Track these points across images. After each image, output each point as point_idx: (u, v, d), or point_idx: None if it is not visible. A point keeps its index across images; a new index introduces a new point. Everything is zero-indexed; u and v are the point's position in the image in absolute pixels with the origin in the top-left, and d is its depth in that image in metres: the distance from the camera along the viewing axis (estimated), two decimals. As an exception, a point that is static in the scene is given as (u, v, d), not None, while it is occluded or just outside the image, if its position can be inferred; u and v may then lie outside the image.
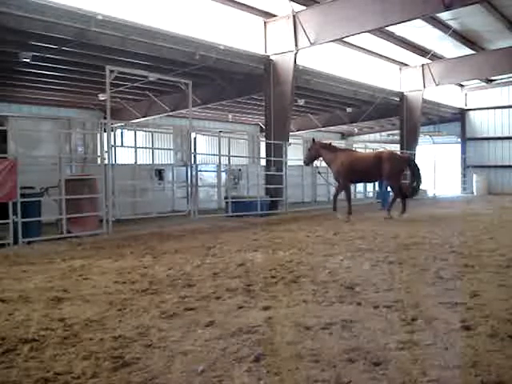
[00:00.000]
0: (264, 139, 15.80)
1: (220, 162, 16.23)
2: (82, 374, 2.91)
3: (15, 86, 17.15)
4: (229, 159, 15.96)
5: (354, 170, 12.30)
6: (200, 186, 13.58)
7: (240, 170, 16.53)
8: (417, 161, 13.60)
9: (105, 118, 14.06)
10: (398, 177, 12.37)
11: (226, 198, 14.10)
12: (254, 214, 12.90)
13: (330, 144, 13.24)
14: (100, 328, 3.74)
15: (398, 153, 14.09)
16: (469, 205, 17.97)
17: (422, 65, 20.84)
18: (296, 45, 13.96)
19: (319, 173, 14.77)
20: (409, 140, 22.12)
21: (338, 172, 12.49)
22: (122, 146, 16.81)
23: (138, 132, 16.54)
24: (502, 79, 24.76)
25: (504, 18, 16.05)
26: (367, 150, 19.49)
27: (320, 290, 4.83)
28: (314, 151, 12.94)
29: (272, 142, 14.51)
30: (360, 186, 23.10)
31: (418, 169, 12.58)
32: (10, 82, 16.55)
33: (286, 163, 14.74)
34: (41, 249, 7.88)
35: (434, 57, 19.92)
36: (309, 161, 13.25)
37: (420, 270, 5.76)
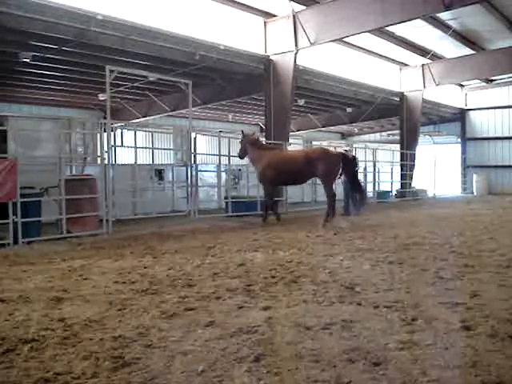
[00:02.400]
0: (264, 139, 15.79)
1: (220, 162, 16.22)
2: (82, 373, 2.91)
3: (15, 85, 17.15)
4: (229, 159, 15.94)
5: (282, 172, 11.00)
6: (200, 185, 13.57)
7: (240, 169, 16.51)
8: (352, 157, 12.09)
9: (105, 117, 14.07)
10: (332, 177, 11.06)
11: (225, 197, 14.09)
12: (254, 214, 12.90)
13: (258, 140, 11.94)
14: (100, 328, 3.74)
15: (331, 149, 12.25)
16: (469, 205, 17.98)
17: (422, 65, 20.84)
18: (296, 45, 13.96)
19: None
20: (409, 140, 22.11)
21: (262, 174, 11.25)
22: (122, 145, 16.82)
23: (137, 132, 16.52)
24: (502, 79, 24.77)
25: (504, 17, 16.05)
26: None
27: (320, 289, 4.83)
28: (243, 146, 11.83)
29: (272, 142, 14.51)
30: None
31: (354, 167, 11.53)
32: (9, 82, 16.56)
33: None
34: (41, 249, 7.87)
35: (434, 57, 19.93)
36: (242, 154, 12.03)
37: (420, 270, 5.76)
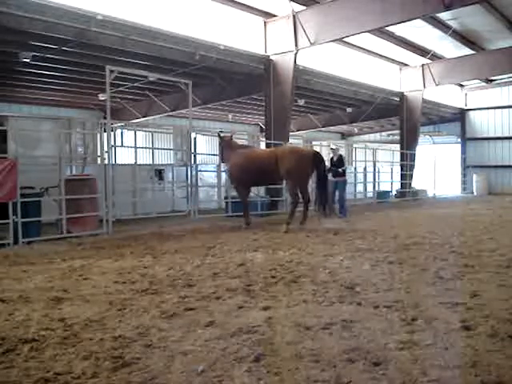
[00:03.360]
0: (264, 139, 15.79)
1: (220, 162, 16.22)
2: (82, 373, 2.91)
3: (15, 85, 17.14)
4: (229, 159, 15.92)
5: (249, 172, 10.43)
6: (200, 185, 13.57)
7: (345, 168, 16.41)
8: (322, 157, 11.17)
9: (105, 117, 14.05)
10: (299, 177, 10.27)
11: (226, 197, 14.09)
12: (254, 214, 12.89)
13: (231, 139, 11.38)
14: (100, 328, 3.74)
15: (301, 147, 11.11)
16: (469, 205, 17.98)
17: (422, 65, 20.83)
18: (296, 45, 13.95)
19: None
20: (409, 140, 22.11)
21: (230, 174, 10.98)
22: (122, 146, 16.82)
23: (138, 132, 16.55)
24: (502, 79, 24.76)
25: (504, 18, 16.04)
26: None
27: (320, 289, 4.83)
28: (221, 148, 11.45)
29: (272, 142, 14.50)
30: (360, 186, 23.16)
31: (325, 168, 10.81)
32: (9, 82, 16.54)
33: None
34: (41, 249, 7.88)
35: (434, 57, 19.92)
36: (221, 158, 11.68)
37: (420, 270, 5.77)
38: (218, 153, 11.92)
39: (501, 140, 25.73)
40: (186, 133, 13.12)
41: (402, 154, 22.36)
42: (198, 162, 13.13)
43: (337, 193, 12.88)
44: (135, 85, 16.05)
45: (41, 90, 17.54)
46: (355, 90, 19.61)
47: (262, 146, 18.26)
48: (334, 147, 13.26)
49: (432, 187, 23.92)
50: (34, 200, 8.70)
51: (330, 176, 12.18)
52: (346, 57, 18.52)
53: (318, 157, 10.59)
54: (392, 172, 23.37)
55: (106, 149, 10.71)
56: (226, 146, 11.06)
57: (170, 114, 19.99)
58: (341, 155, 13.06)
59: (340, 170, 12.76)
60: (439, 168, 24.42)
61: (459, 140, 27.49)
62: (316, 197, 11.13)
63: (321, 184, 10.59)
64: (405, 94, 21.87)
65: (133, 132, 16.97)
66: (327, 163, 12.28)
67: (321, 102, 22.17)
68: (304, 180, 10.45)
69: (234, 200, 13.36)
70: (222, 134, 11.63)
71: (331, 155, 13.29)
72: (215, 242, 8.37)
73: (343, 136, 33.76)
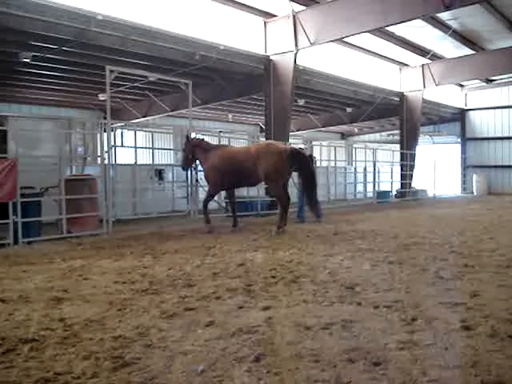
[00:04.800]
0: (264, 139, 15.78)
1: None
2: (82, 373, 2.91)
3: (15, 85, 17.14)
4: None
5: (225, 172, 9.74)
6: (200, 185, 13.56)
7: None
8: (305, 153, 10.44)
9: (105, 117, 14.05)
10: (278, 177, 9.47)
11: (226, 197, 14.08)
12: (254, 214, 12.89)
13: (203, 140, 10.81)
14: (100, 328, 3.74)
15: (280, 145, 10.41)
16: (469, 205, 17.98)
17: (422, 65, 20.83)
18: (296, 45, 13.95)
19: (197, 180, 11.59)
20: (409, 140, 22.11)
21: (206, 176, 10.29)
22: (122, 146, 16.81)
23: (138, 132, 16.54)
24: (501, 79, 24.75)
25: (504, 18, 16.05)
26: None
27: (320, 289, 4.83)
28: (189, 151, 10.53)
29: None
30: (360, 186, 23.17)
31: (309, 164, 10.01)
32: (9, 82, 16.54)
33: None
34: (41, 249, 7.88)
35: (434, 57, 19.92)
36: (185, 164, 10.81)
37: (420, 270, 5.76)
38: (180, 160, 11.04)
39: (501, 140, 25.73)
40: (186, 133, 13.10)
41: (401, 154, 22.36)
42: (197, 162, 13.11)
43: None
44: (135, 85, 16.05)
45: (41, 89, 17.55)
46: (355, 90, 19.61)
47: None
48: (302, 147, 12.40)
49: (432, 187, 23.92)
50: (34, 200, 8.70)
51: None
52: (346, 57, 18.53)
53: (299, 154, 9.80)
54: (392, 172, 23.38)
55: (106, 149, 10.70)
56: (199, 147, 10.36)
57: (170, 114, 19.99)
58: (310, 155, 12.07)
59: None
60: (439, 168, 24.43)
61: (459, 140, 27.49)
62: (305, 199, 10.51)
63: (308, 183, 9.88)
64: (405, 94, 21.87)
65: (133, 132, 16.97)
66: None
67: (321, 102, 22.18)
68: (280, 179, 9.56)
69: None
70: (190, 137, 10.90)
71: None
72: (215, 242, 8.37)
73: (343, 136, 33.76)
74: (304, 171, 9.91)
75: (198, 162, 10.83)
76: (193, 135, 11.69)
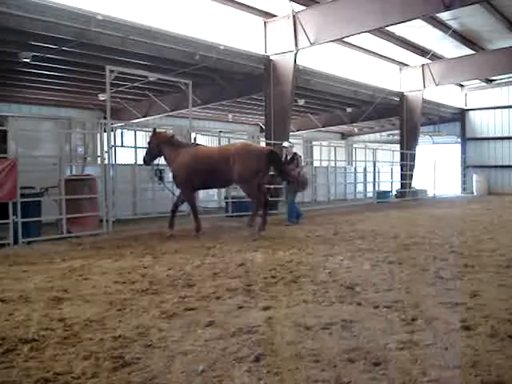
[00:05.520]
0: (264, 139, 15.79)
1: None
2: (82, 374, 2.91)
3: (15, 85, 17.14)
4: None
5: (196, 172, 9.14)
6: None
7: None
8: (281, 154, 9.88)
9: (105, 117, 14.05)
10: (252, 178, 8.97)
11: (226, 197, 14.09)
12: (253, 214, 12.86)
13: (173, 137, 9.96)
14: (100, 328, 3.74)
15: (256, 145, 9.63)
16: (469, 205, 17.98)
17: (422, 65, 20.84)
18: (296, 45, 13.95)
19: (161, 178, 10.51)
20: (409, 140, 22.11)
21: (175, 176, 9.61)
22: (122, 146, 16.82)
23: (138, 132, 16.52)
24: (501, 79, 24.76)
25: (504, 18, 16.04)
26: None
27: (320, 289, 4.83)
28: (154, 146, 9.76)
29: (272, 141, 14.51)
30: (360, 186, 23.17)
31: (283, 165, 9.62)
32: (9, 82, 16.54)
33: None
34: (41, 249, 7.88)
35: (434, 57, 19.93)
36: (149, 159, 9.93)
37: (420, 270, 5.76)
38: (144, 153, 10.11)
39: (501, 140, 25.73)
40: (186, 133, 13.10)
41: (401, 154, 22.37)
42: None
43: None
44: (135, 85, 16.05)
45: (41, 90, 17.54)
46: (355, 90, 19.61)
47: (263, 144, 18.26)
48: (286, 145, 11.70)
49: (432, 187, 23.93)
50: (34, 200, 8.70)
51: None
52: (346, 57, 18.52)
53: (274, 155, 9.31)
54: (392, 172, 23.38)
55: (105, 149, 10.70)
56: (167, 144, 9.58)
57: (170, 114, 19.99)
58: (295, 154, 11.37)
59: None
60: (439, 168, 24.43)
61: (459, 140, 27.49)
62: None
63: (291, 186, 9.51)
64: (405, 94, 21.87)
65: (133, 132, 16.96)
66: None
67: (321, 102, 22.18)
68: (258, 179, 9.08)
69: (233, 200, 13.38)
70: (157, 130, 10.16)
71: (285, 154, 11.48)
72: (215, 242, 8.37)
73: (343, 136, 33.76)
74: (280, 173, 9.60)
75: (163, 159, 9.93)
76: (162, 131, 10.86)
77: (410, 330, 3.57)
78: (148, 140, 10.15)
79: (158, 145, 9.65)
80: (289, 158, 11.18)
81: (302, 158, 12.89)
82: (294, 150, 11.72)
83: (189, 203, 9.79)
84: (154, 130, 10.08)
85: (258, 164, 8.98)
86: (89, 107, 21.07)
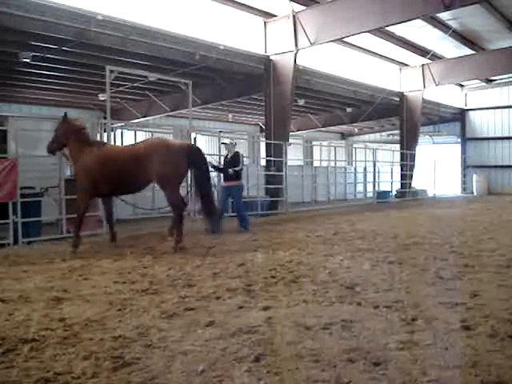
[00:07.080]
0: (264, 139, 15.79)
1: (220, 162, 16.21)
2: (82, 373, 2.91)
3: (15, 85, 17.14)
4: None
5: (102, 177, 7.67)
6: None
7: (241, 169, 16.48)
8: (202, 152, 8.36)
9: (105, 117, 14.05)
10: (176, 180, 7.79)
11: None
12: (254, 214, 12.88)
13: (82, 130, 8.19)
14: (100, 328, 3.74)
15: (175, 141, 8.75)
16: (469, 205, 17.98)
17: (422, 65, 20.84)
18: (296, 45, 13.95)
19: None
20: (409, 140, 22.12)
21: (75, 176, 8.25)
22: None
23: (138, 132, 16.52)
24: (502, 79, 24.76)
25: (504, 18, 16.05)
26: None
27: (320, 289, 4.83)
28: (61, 135, 8.13)
29: (272, 141, 14.51)
30: (360, 186, 23.18)
31: (205, 164, 8.28)
32: (9, 82, 16.54)
33: (285, 163, 14.74)
34: (41, 249, 7.88)
35: (434, 57, 19.93)
36: (54, 148, 8.35)
37: (420, 270, 5.76)
38: (52, 140, 8.34)
39: (501, 140, 25.74)
40: (185, 133, 13.09)
41: (401, 154, 22.38)
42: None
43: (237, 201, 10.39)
44: (135, 85, 16.05)
45: (41, 90, 17.55)
46: (355, 90, 19.62)
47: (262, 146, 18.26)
48: (227, 142, 10.61)
49: (432, 187, 23.93)
50: (34, 200, 8.70)
51: (222, 179, 10.32)
52: (346, 57, 18.53)
53: (195, 151, 8.09)
54: (392, 172, 23.38)
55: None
56: (75, 137, 7.99)
57: (170, 114, 20.00)
58: (237, 152, 10.24)
59: (231, 170, 9.99)
60: (439, 168, 24.44)
61: (459, 140, 27.51)
62: (200, 205, 8.56)
63: (203, 188, 8.07)
64: (405, 94, 21.87)
65: (133, 132, 16.95)
66: (220, 161, 10.94)
67: (321, 102, 22.18)
68: (176, 182, 7.84)
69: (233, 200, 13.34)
70: (68, 117, 8.35)
71: (226, 152, 10.57)
72: (215, 242, 8.36)
73: (343, 136, 33.77)
74: (200, 172, 8.13)
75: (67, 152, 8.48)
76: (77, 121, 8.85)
77: (410, 330, 3.57)
78: (56, 126, 8.44)
79: (66, 135, 8.05)
80: (229, 156, 10.26)
81: (245, 157, 11.37)
82: (237, 149, 10.58)
83: (77, 212, 7.92)
84: (65, 115, 8.33)
85: (178, 162, 7.65)
86: (89, 107, 21.06)
